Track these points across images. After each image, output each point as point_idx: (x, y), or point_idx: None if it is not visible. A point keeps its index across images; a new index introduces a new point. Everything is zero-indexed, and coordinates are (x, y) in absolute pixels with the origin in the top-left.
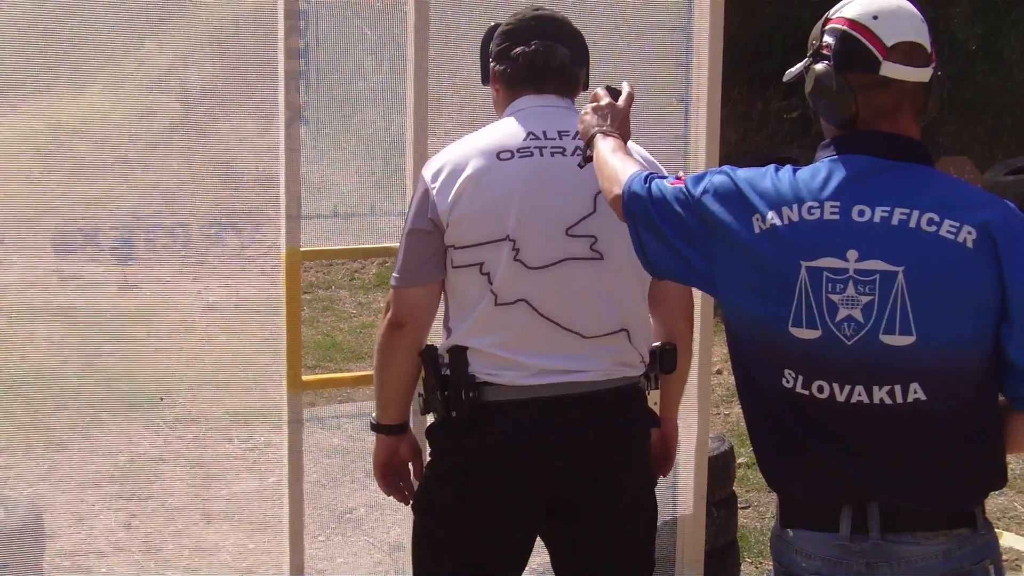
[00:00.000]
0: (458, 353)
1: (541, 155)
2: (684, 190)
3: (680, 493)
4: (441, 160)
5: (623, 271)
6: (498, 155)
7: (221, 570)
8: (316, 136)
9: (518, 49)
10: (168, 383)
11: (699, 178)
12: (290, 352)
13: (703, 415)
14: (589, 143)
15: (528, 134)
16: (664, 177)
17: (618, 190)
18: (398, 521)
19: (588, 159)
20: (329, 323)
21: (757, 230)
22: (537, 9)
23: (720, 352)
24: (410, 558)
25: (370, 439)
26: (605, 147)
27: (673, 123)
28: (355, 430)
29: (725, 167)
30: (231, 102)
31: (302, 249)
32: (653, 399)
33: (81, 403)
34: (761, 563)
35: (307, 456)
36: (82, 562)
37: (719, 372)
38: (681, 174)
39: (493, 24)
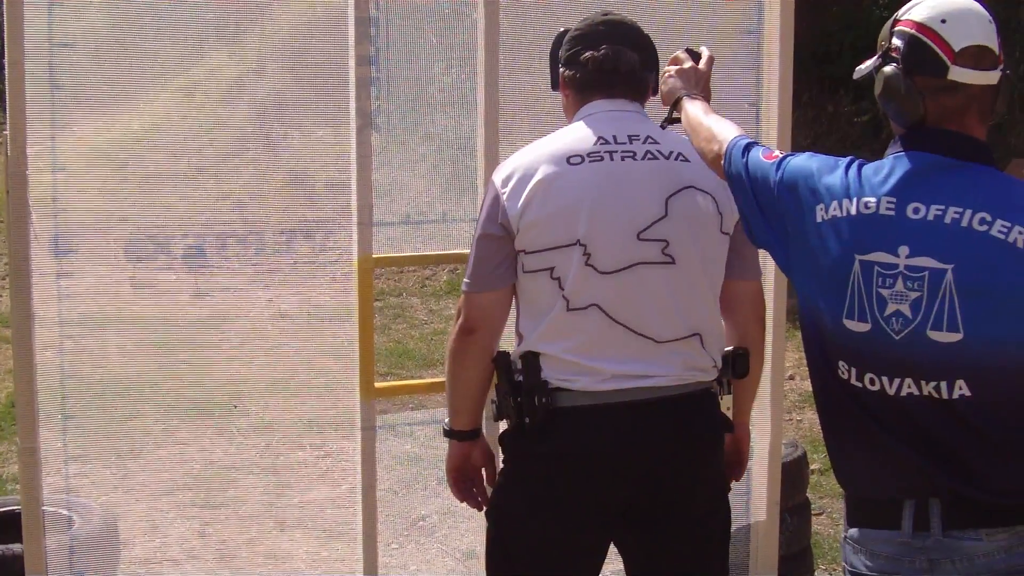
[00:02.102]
0: (531, 359)
1: (611, 159)
2: (771, 169)
3: (753, 499)
4: (511, 165)
5: (695, 275)
6: (568, 160)
7: None
8: (387, 142)
9: (587, 54)
10: (241, 391)
11: (783, 160)
12: (363, 359)
13: (776, 421)
14: (675, 105)
15: (598, 139)
16: (761, 146)
17: (718, 148)
18: (471, 528)
19: (673, 120)
20: (401, 330)
21: (819, 219)
22: (606, 14)
23: (792, 357)
24: (483, 565)
25: (442, 446)
26: (696, 109)
27: (744, 126)
28: (427, 437)
29: (807, 152)
30: (302, 109)
31: (374, 256)
32: (726, 404)
33: (154, 411)
34: (835, 570)
35: (380, 463)
36: (156, 569)
37: (791, 377)
38: (778, 152)
39: (562, 30)
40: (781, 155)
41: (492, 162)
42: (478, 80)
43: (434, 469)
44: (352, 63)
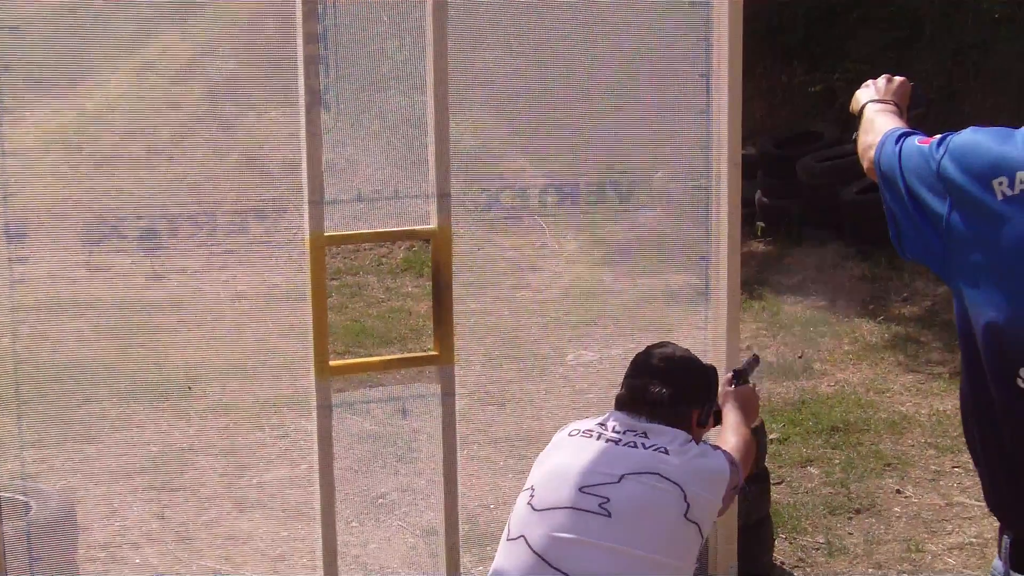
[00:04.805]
0: None
1: (596, 439)
2: (930, 148)
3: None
4: None
5: (633, 534)
6: (569, 432)
7: (254, 558)
8: (338, 120)
9: (627, 381)
10: (198, 373)
11: (944, 137)
12: (317, 337)
13: None
14: (859, 115)
15: (599, 423)
16: (917, 134)
17: (871, 139)
18: (431, 505)
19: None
20: (358, 309)
21: (1000, 196)
22: (658, 347)
23: (749, 328)
24: (443, 542)
25: (400, 424)
26: (872, 109)
27: (695, 98)
28: (385, 415)
29: (969, 128)
30: (255, 90)
31: (326, 234)
32: None
33: (111, 395)
34: (795, 538)
35: (338, 442)
36: (116, 553)
37: (748, 348)
38: (937, 137)
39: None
40: (940, 135)
41: (443, 138)
42: (427, 55)
43: (392, 447)
44: (300, 41)
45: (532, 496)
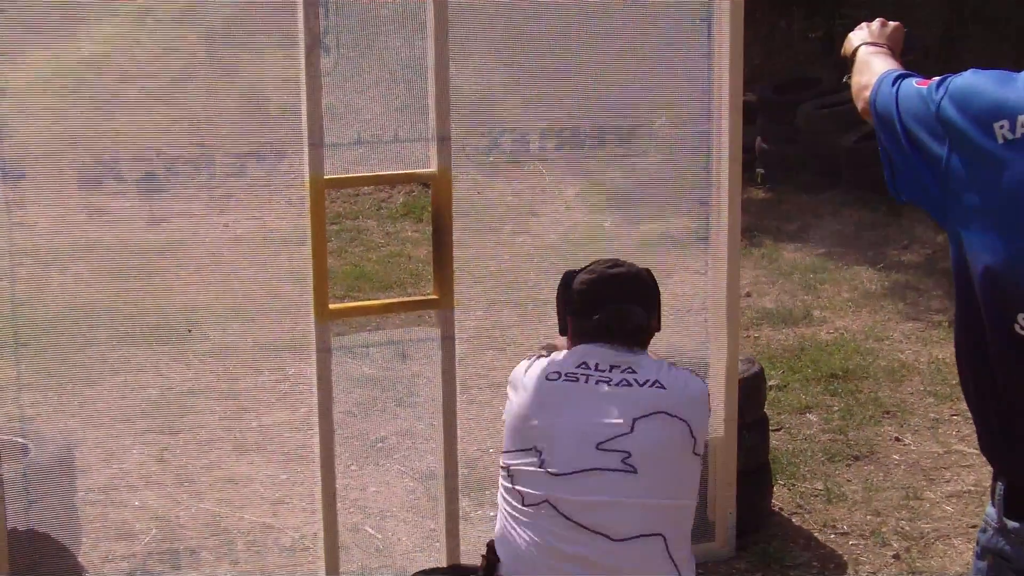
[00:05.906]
0: (493, 548)
1: (586, 382)
2: (929, 90)
3: (711, 416)
4: (515, 374)
5: (660, 485)
6: (547, 376)
7: (254, 501)
8: (338, 65)
9: (597, 316)
10: (197, 316)
11: (944, 79)
12: (316, 280)
13: (732, 337)
14: (852, 57)
15: (582, 363)
16: (914, 76)
17: (866, 80)
18: (429, 449)
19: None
20: (357, 253)
21: (1000, 139)
22: (613, 267)
23: (748, 275)
24: (443, 485)
25: (399, 367)
26: (866, 51)
27: (695, 43)
28: (384, 359)
29: (969, 70)
30: (254, 33)
31: (326, 177)
32: None
33: (110, 338)
34: (794, 485)
35: (337, 386)
36: (115, 496)
37: (748, 295)
38: (936, 79)
39: (568, 272)
40: (939, 77)
41: (443, 82)
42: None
43: (391, 391)
44: None
45: (543, 459)
